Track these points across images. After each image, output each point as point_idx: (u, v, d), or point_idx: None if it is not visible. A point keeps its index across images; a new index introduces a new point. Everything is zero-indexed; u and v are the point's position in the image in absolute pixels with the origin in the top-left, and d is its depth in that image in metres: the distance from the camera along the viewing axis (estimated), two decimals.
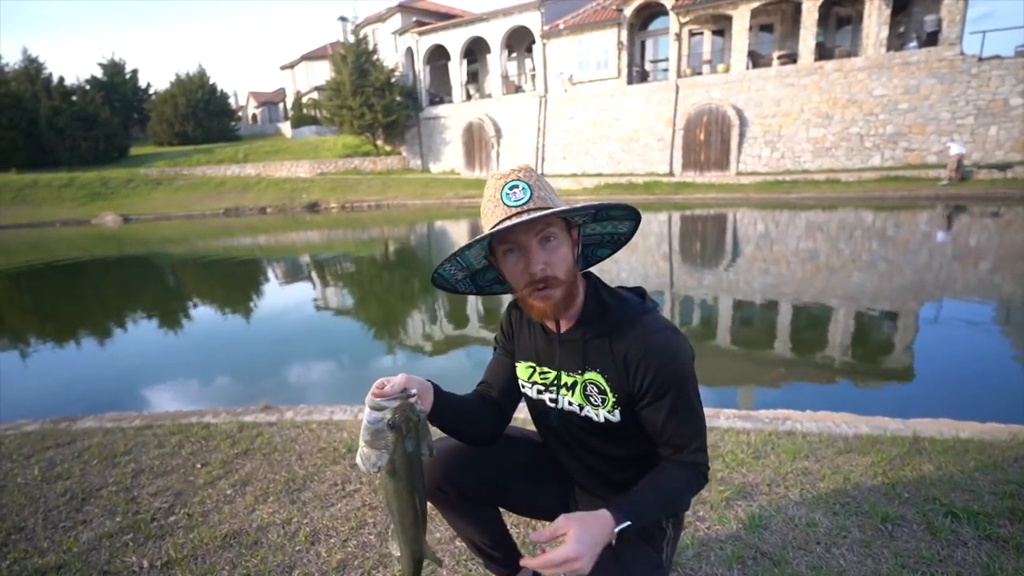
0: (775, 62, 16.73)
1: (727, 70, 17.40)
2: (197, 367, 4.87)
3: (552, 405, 1.14)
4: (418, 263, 10.24)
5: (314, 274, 9.65)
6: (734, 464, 2.08)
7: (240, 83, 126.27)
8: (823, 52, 16.37)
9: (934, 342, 4.58)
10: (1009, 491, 1.79)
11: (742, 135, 16.87)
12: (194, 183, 24.07)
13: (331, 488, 2.06)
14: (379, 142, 26.10)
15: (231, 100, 33.50)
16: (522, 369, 1.19)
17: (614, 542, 0.91)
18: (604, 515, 0.91)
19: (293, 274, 9.91)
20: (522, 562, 0.93)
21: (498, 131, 22.39)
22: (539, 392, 1.16)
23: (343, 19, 27.33)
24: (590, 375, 1.06)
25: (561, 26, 20.36)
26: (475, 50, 24.70)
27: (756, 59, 17.30)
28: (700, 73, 18.36)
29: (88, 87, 28.93)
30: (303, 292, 8.40)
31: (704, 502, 1.83)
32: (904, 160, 14.73)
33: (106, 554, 1.72)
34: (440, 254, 10.68)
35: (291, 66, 36.54)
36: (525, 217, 0.94)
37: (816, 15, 15.71)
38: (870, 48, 15.31)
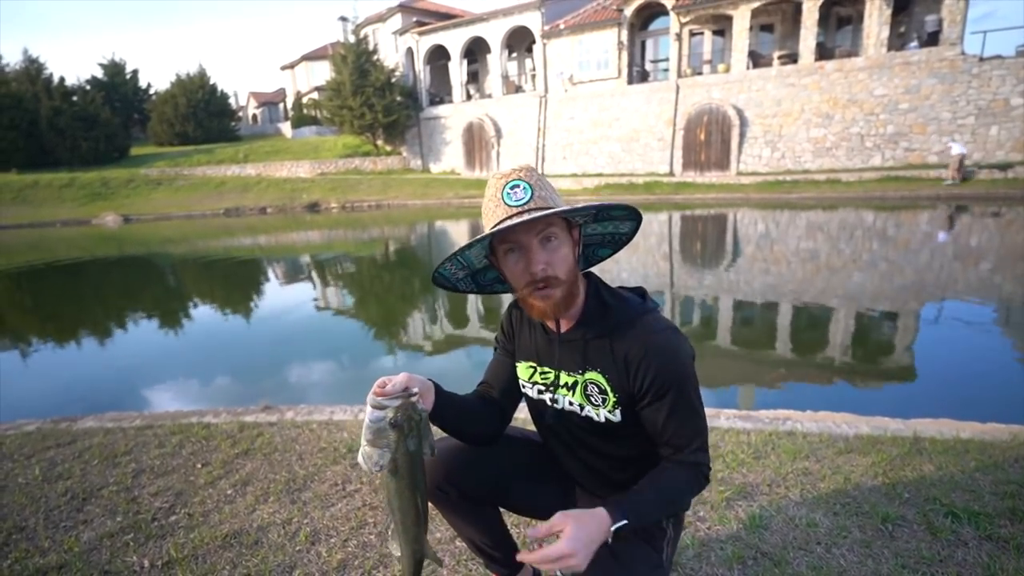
0: (775, 62, 16.73)
1: (727, 70, 17.40)
2: (197, 367, 4.87)
3: (553, 405, 1.14)
4: (418, 263, 10.24)
5: (314, 274, 9.66)
6: (734, 464, 2.08)
7: (240, 83, 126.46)
8: (824, 52, 16.37)
9: (934, 342, 4.58)
10: (1010, 491, 1.79)
11: (742, 135, 16.87)
12: (194, 183, 24.08)
13: (331, 488, 2.06)
14: (379, 142, 26.11)
15: (231, 100, 33.52)
16: (523, 369, 1.19)
17: (610, 540, 0.91)
18: (601, 513, 0.91)
19: (293, 274, 9.91)
20: (518, 556, 0.93)
21: (498, 131, 22.40)
22: (540, 392, 1.16)
23: (343, 19, 27.34)
24: (591, 375, 1.06)
25: (561, 26, 20.36)
26: (475, 50, 24.70)
27: (756, 59, 17.29)
28: (700, 73, 18.36)
29: (88, 87, 28.94)
30: (303, 292, 8.40)
31: (704, 502, 1.83)
32: (905, 160, 14.73)
33: (107, 554, 1.72)
34: (440, 254, 10.69)
35: (291, 66, 36.55)
36: (526, 217, 0.94)
37: (816, 15, 15.70)
38: (871, 48, 15.31)
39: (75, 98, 26.44)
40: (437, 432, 1.05)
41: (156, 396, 4.14)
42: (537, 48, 21.48)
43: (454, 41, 23.50)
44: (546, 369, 1.14)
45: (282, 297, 8.07)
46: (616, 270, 7.42)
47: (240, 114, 37.28)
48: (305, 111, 32.31)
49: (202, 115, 29.60)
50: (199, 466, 2.29)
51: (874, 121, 15.10)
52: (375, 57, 24.48)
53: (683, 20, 17.99)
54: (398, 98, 24.20)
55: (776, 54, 16.96)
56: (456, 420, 1.13)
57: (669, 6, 17.87)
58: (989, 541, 1.56)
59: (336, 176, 24.20)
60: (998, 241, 8.54)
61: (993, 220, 10.44)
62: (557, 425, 1.16)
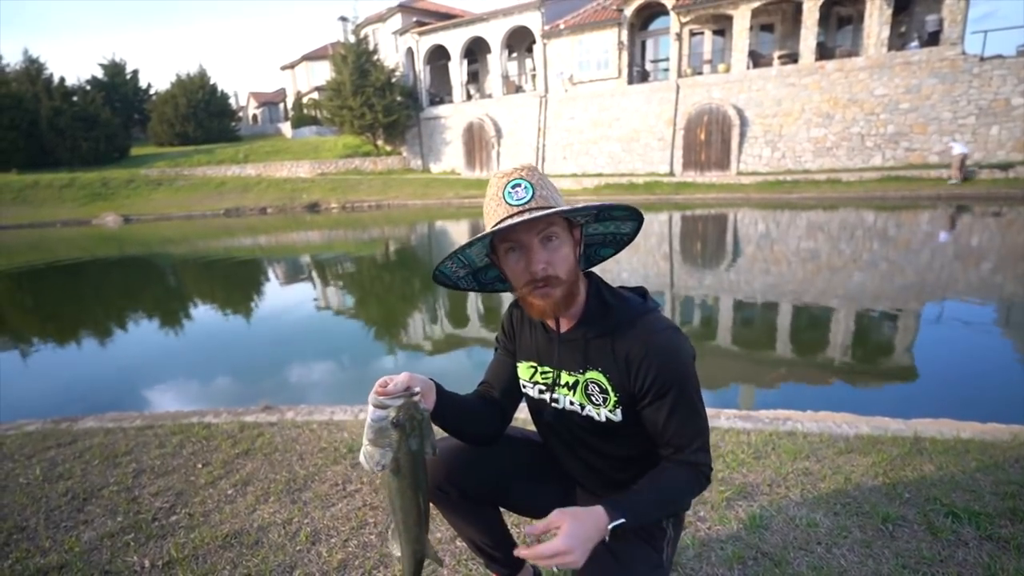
0: (776, 62, 16.72)
1: (728, 70, 17.39)
2: (198, 367, 4.87)
3: (553, 405, 1.14)
4: (418, 263, 10.24)
5: (315, 274, 9.66)
6: (735, 464, 2.08)
7: (240, 83, 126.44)
8: (824, 52, 16.36)
9: (935, 342, 4.58)
10: (1010, 491, 1.79)
11: (743, 135, 16.86)
12: (194, 183, 24.08)
13: (332, 488, 2.06)
14: (379, 142, 26.11)
15: (231, 100, 33.52)
16: (523, 369, 1.19)
17: (607, 539, 0.91)
18: (598, 511, 0.91)
19: (293, 274, 9.91)
20: (516, 552, 0.93)
21: (498, 131, 22.40)
22: (540, 392, 1.16)
23: (343, 19, 27.34)
24: (591, 374, 1.06)
25: (561, 26, 20.36)
26: (475, 50, 24.70)
27: (757, 59, 17.29)
28: (701, 73, 18.36)
29: (89, 87, 28.94)
30: (303, 292, 8.40)
31: (705, 502, 1.83)
32: (905, 160, 14.72)
33: (107, 554, 1.72)
34: (440, 254, 10.66)
35: (291, 66, 36.56)
36: (527, 216, 0.94)
37: (817, 15, 15.70)
38: (871, 48, 15.30)
39: (75, 98, 26.44)
40: (437, 432, 1.05)
41: (156, 396, 4.14)
42: (537, 48, 21.48)
43: (454, 41, 23.50)
44: (547, 369, 1.14)
45: (282, 297, 8.08)
46: (616, 270, 7.42)
47: (240, 114, 37.29)
48: (305, 111, 32.31)
49: (202, 115, 29.59)
50: (199, 466, 2.29)
51: (875, 121, 15.10)
52: (375, 57, 24.48)
53: (683, 20, 17.99)
54: (398, 98, 24.21)
55: (776, 54, 16.96)
56: (457, 420, 1.13)
57: (669, 6, 17.87)
58: (990, 541, 1.56)
59: (336, 176, 24.20)
60: (999, 241, 8.54)
61: (994, 220, 10.44)
62: (557, 425, 1.16)
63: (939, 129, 14.30)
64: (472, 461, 1.20)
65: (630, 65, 19.64)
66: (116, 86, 32.20)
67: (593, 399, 1.07)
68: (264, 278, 9.58)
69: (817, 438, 2.30)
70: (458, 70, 23.83)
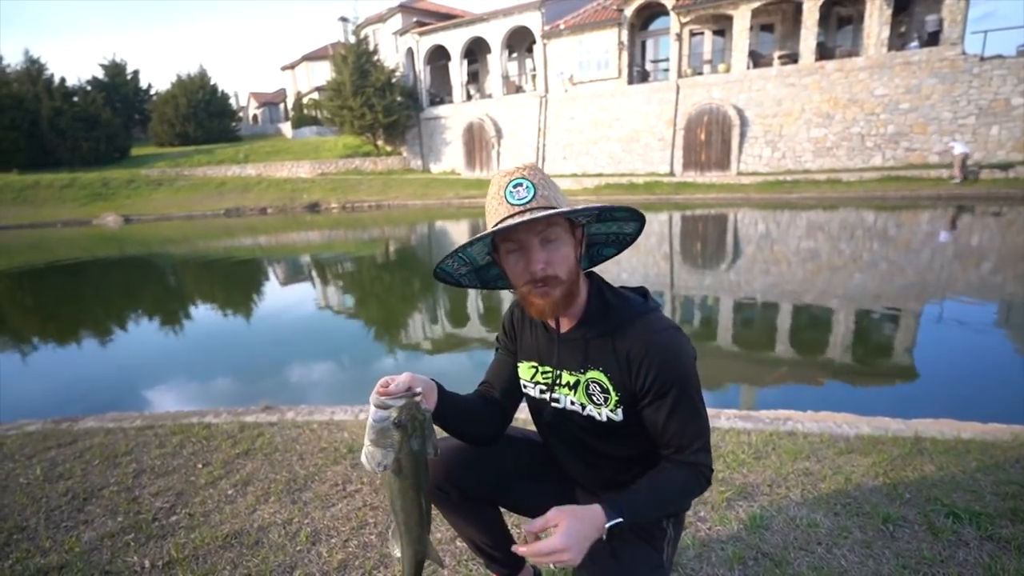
0: (776, 62, 16.72)
1: (728, 70, 17.39)
2: (198, 367, 4.87)
3: (554, 405, 1.14)
4: (419, 263, 10.24)
5: (315, 274, 9.66)
6: (735, 464, 2.08)
7: (241, 84, 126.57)
8: (824, 52, 16.36)
9: (935, 342, 4.57)
10: (1011, 492, 1.79)
11: (743, 135, 16.86)
12: (195, 183, 24.09)
13: (332, 488, 2.06)
14: (380, 142, 26.11)
15: (232, 101, 33.49)
16: (524, 369, 1.19)
17: (604, 537, 0.91)
18: (596, 510, 0.92)
19: (294, 274, 9.91)
20: (514, 548, 0.94)
21: (499, 131, 22.40)
22: (541, 392, 1.16)
23: (344, 19, 27.33)
24: (592, 374, 1.06)
25: (562, 26, 20.36)
26: (475, 50, 24.71)
27: (757, 59, 17.29)
28: (701, 73, 18.35)
29: (89, 88, 28.96)
30: (304, 292, 8.40)
31: (705, 502, 1.83)
32: (905, 160, 14.72)
33: (108, 554, 1.72)
34: (440, 254, 10.60)
35: (292, 67, 36.57)
36: (527, 216, 0.94)
37: (817, 15, 15.70)
38: (871, 48, 15.30)
39: (76, 99, 26.45)
40: (437, 432, 1.05)
41: (157, 396, 4.14)
42: (537, 48, 21.48)
43: (454, 41, 23.50)
44: (547, 368, 1.14)
45: (283, 297, 8.08)
46: (616, 270, 7.42)
47: (240, 114, 37.26)
48: (305, 111, 32.32)
49: (203, 115, 29.60)
50: (200, 466, 2.29)
51: (875, 121, 15.09)
52: (375, 57, 24.49)
53: (683, 20, 17.99)
54: (398, 98, 24.21)
55: (776, 54, 16.96)
56: (457, 420, 1.13)
57: (669, 6, 17.87)
58: (990, 541, 1.56)
59: (336, 176, 24.20)
60: (999, 241, 8.53)
61: (994, 220, 10.43)
62: (558, 425, 1.16)
63: (939, 129, 14.30)
64: (472, 461, 1.20)
65: (630, 65, 19.64)
66: (117, 86, 32.21)
67: (594, 399, 1.07)
68: (264, 278, 9.58)
69: (818, 438, 2.30)
70: (458, 70, 23.83)
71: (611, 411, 1.06)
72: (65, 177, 23.55)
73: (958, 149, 13.05)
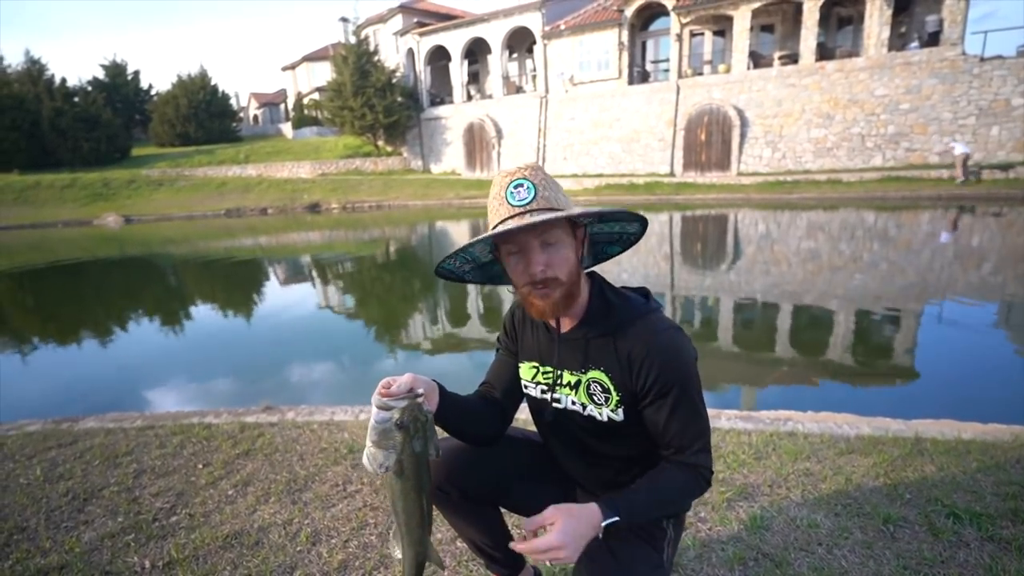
0: (776, 62, 16.73)
1: (728, 70, 17.40)
2: (198, 368, 4.87)
3: (555, 405, 1.14)
4: (419, 263, 10.24)
5: (315, 275, 9.66)
6: (735, 465, 2.08)
7: (241, 84, 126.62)
8: (824, 52, 16.36)
9: (936, 342, 4.57)
10: (1012, 492, 1.78)
11: (743, 135, 16.86)
12: (195, 184, 24.10)
13: (332, 489, 2.06)
14: (380, 143, 26.13)
15: (232, 101, 33.50)
16: (525, 369, 1.19)
17: (601, 536, 0.92)
18: (593, 508, 0.92)
19: (294, 275, 9.92)
20: (510, 545, 0.95)
21: (499, 132, 22.41)
22: (542, 392, 1.16)
23: (344, 20, 27.33)
24: (593, 374, 1.06)
25: (562, 27, 20.37)
26: (476, 51, 24.72)
27: (757, 59, 17.29)
28: (701, 73, 18.36)
29: (90, 88, 28.96)
30: (304, 293, 8.41)
31: (705, 503, 1.83)
32: (906, 160, 14.72)
33: (108, 554, 1.72)
34: (441, 254, 10.65)
35: (292, 67, 36.59)
36: (527, 220, 0.94)
37: (817, 15, 15.70)
38: (871, 48, 15.30)
39: (76, 99, 26.47)
40: (438, 432, 1.05)
41: (157, 396, 4.14)
42: (538, 49, 21.49)
43: (455, 42, 23.52)
44: (548, 369, 1.14)
45: (283, 297, 8.08)
46: (617, 271, 7.42)
47: (241, 115, 37.28)
48: (306, 112, 32.34)
49: (203, 116, 29.62)
50: (200, 466, 2.29)
51: (875, 121, 15.09)
52: (376, 58, 24.50)
53: (683, 21, 18.00)
54: (399, 99, 24.22)
55: (777, 54, 16.96)
56: (458, 421, 1.13)
57: (670, 7, 17.87)
58: (991, 542, 1.56)
59: (337, 177, 24.21)
60: (999, 241, 8.53)
61: (995, 220, 10.43)
62: (559, 425, 1.16)
63: (939, 129, 14.30)
64: (473, 461, 1.20)
65: (630, 66, 19.65)
66: (117, 87, 32.23)
67: (595, 399, 1.07)
68: (265, 278, 9.58)
69: (818, 439, 2.30)
70: (459, 71, 23.84)
71: (612, 411, 1.06)
72: (66, 177, 23.57)
73: (959, 149, 13.05)
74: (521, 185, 0.97)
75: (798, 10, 16.36)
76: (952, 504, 1.74)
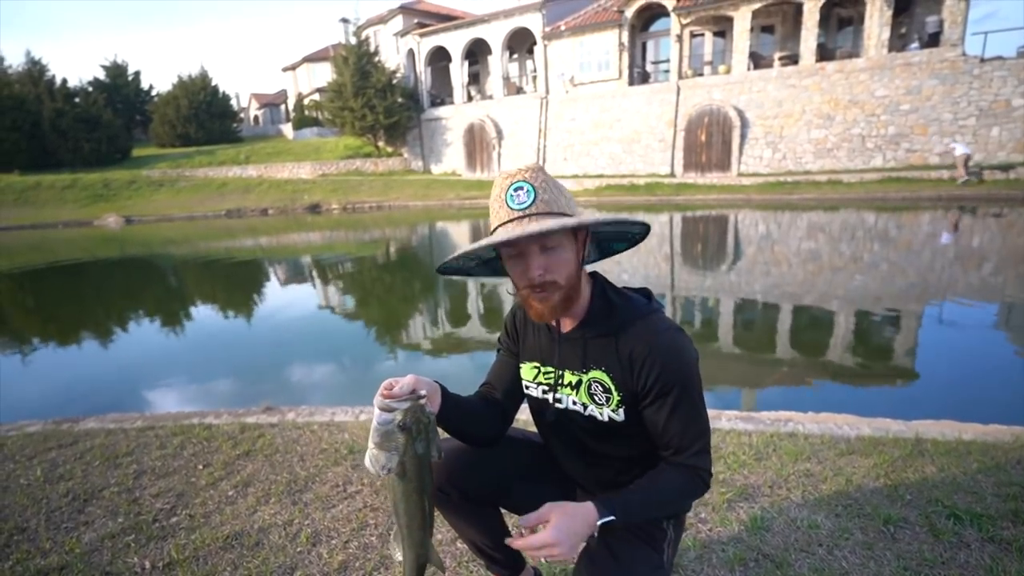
0: (776, 63, 16.73)
1: (728, 71, 17.40)
2: (199, 368, 4.87)
3: (556, 405, 1.14)
4: (420, 264, 10.25)
5: (315, 276, 9.66)
6: (736, 466, 2.08)
7: (242, 85, 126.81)
8: (824, 53, 16.37)
9: (936, 343, 4.57)
10: (1012, 493, 1.78)
11: (743, 136, 16.87)
12: (196, 184, 24.12)
13: (333, 489, 2.06)
14: (380, 143, 26.14)
15: (233, 102, 33.53)
16: (527, 370, 1.19)
17: (596, 534, 0.92)
18: (589, 507, 0.92)
19: (295, 275, 9.92)
20: (507, 541, 0.95)
21: (499, 132, 22.42)
22: (544, 392, 1.16)
23: (345, 21, 27.36)
24: (595, 373, 1.06)
25: (562, 27, 20.39)
26: (476, 51, 24.74)
27: (757, 60, 17.30)
28: (701, 74, 18.37)
29: (91, 89, 28.98)
30: (304, 293, 8.41)
31: (706, 504, 1.83)
32: (906, 161, 14.72)
33: (108, 555, 1.72)
34: (441, 255, 10.69)
35: (293, 68, 36.61)
36: (525, 225, 0.94)
37: (817, 16, 15.71)
38: (871, 49, 15.31)
39: (77, 100, 26.51)
40: (439, 433, 1.05)
41: (157, 397, 4.14)
42: (538, 49, 21.51)
43: (455, 42, 23.53)
44: (549, 369, 1.14)
45: (283, 298, 8.08)
46: (617, 271, 7.42)
47: (242, 115, 37.32)
48: (306, 112, 32.36)
49: (204, 116, 29.65)
50: (200, 467, 2.29)
51: (875, 122, 15.09)
52: (376, 59, 24.52)
53: (684, 21, 18.01)
54: (399, 99, 24.24)
55: (777, 55, 16.97)
56: (460, 422, 1.13)
57: (670, 7, 17.88)
58: (992, 543, 1.55)
59: (337, 177, 24.23)
60: (1000, 242, 8.53)
61: (995, 221, 10.43)
62: (559, 425, 1.16)
63: (940, 130, 14.30)
64: (473, 462, 1.20)
65: (631, 66, 19.66)
66: (118, 87, 32.26)
67: (596, 399, 1.07)
68: (265, 279, 9.58)
69: (818, 439, 2.30)
70: (459, 71, 23.86)
71: (613, 411, 1.06)
72: (66, 178, 23.59)
73: (960, 150, 13.04)
74: (521, 188, 0.97)
75: (798, 11, 16.37)
76: (953, 505, 1.73)
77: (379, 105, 23.58)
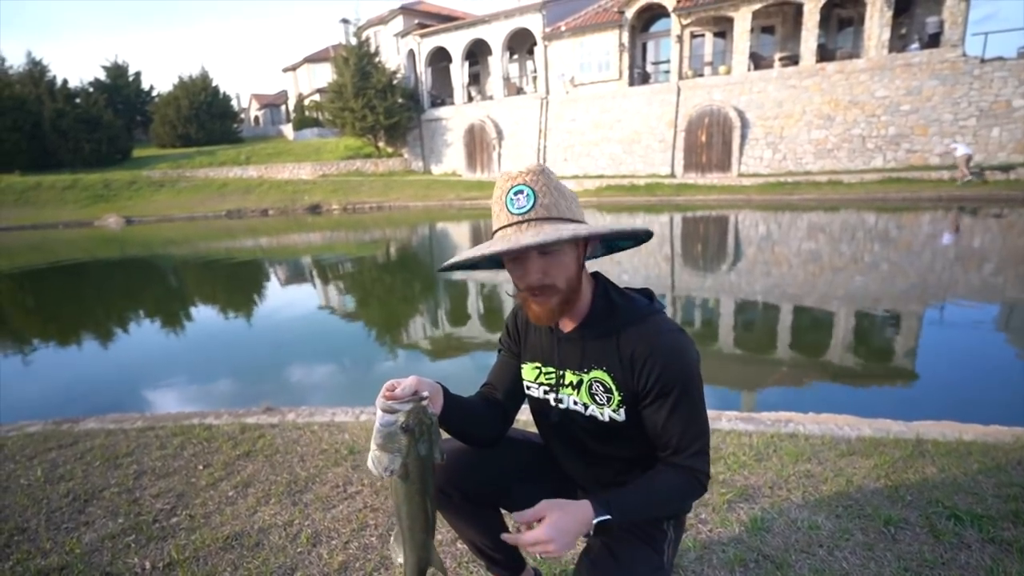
0: (776, 64, 16.74)
1: (728, 72, 17.41)
2: (199, 368, 4.87)
3: (557, 405, 1.14)
4: (420, 265, 10.25)
5: (316, 276, 9.67)
6: (736, 466, 2.08)
7: (242, 85, 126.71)
8: (825, 54, 16.37)
9: (937, 344, 4.57)
10: (1013, 494, 1.78)
11: (743, 137, 16.87)
12: (196, 185, 24.14)
13: (333, 490, 2.06)
14: (381, 144, 26.16)
15: (233, 102, 33.56)
16: (528, 370, 1.19)
17: (592, 533, 0.92)
18: (585, 505, 0.93)
19: (295, 276, 9.92)
20: (502, 536, 0.95)
21: (499, 133, 22.43)
22: (545, 392, 1.16)
23: (345, 21, 27.39)
24: (596, 373, 1.06)
25: (563, 28, 20.40)
26: (477, 52, 24.75)
27: (757, 61, 17.31)
28: (701, 75, 18.38)
29: (91, 89, 29.01)
30: (305, 294, 8.41)
31: (706, 504, 1.83)
32: (906, 162, 14.72)
33: (108, 555, 1.72)
34: (441, 256, 10.69)
35: (293, 68, 36.64)
36: (523, 230, 0.94)
37: (817, 17, 15.72)
38: (872, 50, 15.31)
39: (78, 100, 26.54)
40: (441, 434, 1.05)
41: (158, 397, 4.14)
42: (538, 50, 21.52)
43: (455, 43, 23.55)
44: (551, 369, 1.14)
45: (284, 298, 8.08)
46: (617, 271, 7.42)
47: (242, 116, 37.35)
48: (307, 113, 32.39)
49: (204, 117, 29.67)
50: (200, 468, 2.29)
51: (875, 123, 15.10)
52: (376, 59, 24.55)
53: (684, 22, 18.02)
54: (399, 100, 24.26)
55: (777, 56, 16.98)
56: (461, 422, 1.13)
57: (670, 8, 17.89)
58: (992, 544, 1.55)
59: (338, 178, 24.24)
60: (1000, 243, 8.53)
61: (995, 222, 10.43)
62: (560, 425, 1.16)
63: (940, 131, 14.30)
64: (474, 463, 1.20)
65: (631, 67, 19.67)
66: (118, 88, 32.29)
67: (597, 399, 1.07)
68: (265, 279, 9.59)
69: (819, 440, 2.29)
70: (459, 72, 23.87)
71: (614, 411, 1.06)
72: (67, 179, 23.61)
73: (961, 150, 13.04)
74: (521, 192, 0.96)
75: (798, 11, 16.38)
76: (953, 506, 1.73)
77: (379, 106, 23.60)
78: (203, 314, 7.24)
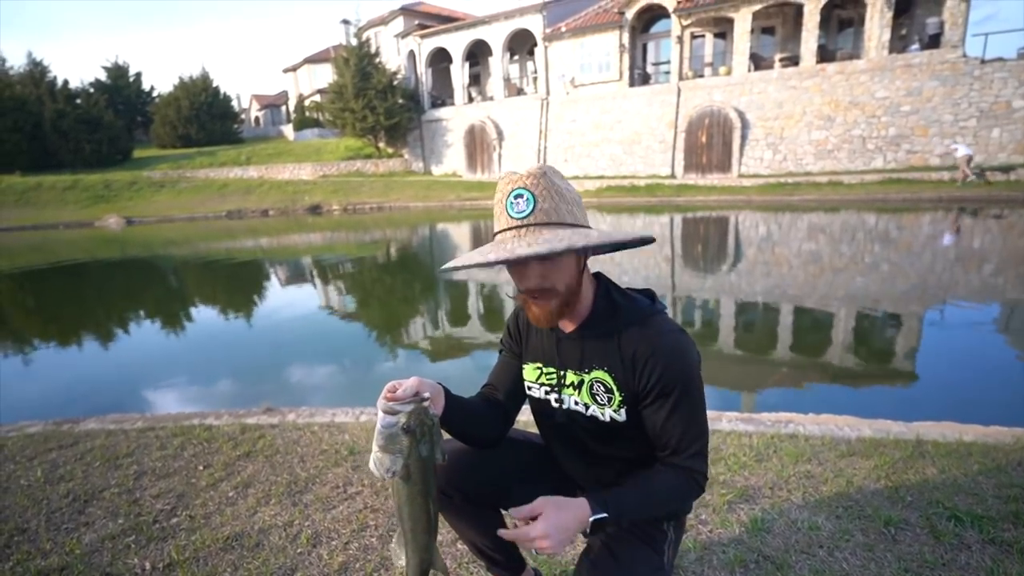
0: (777, 64, 16.75)
1: (729, 72, 17.42)
2: (199, 369, 4.87)
3: (558, 406, 1.14)
4: (420, 265, 10.25)
5: (316, 276, 9.67)
6: (736, 467, 2.08)
7: (243, 86, 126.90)
8: (825, 54, 16.38)
9: (937, 344, 4.56)
10: (1013, 495, 1.78)
11: (744, 137, 16.87)
12: (197, 185, 24.16)
13: (333, 490, 2.06)
14: (381, 144, 26.18)
15: (234, 103, 33.60)
16: (530, 371, 1.19)
17: (588, 531, 0.92)
18: (582, 503, 0.93)
19: (295, 276, 9.92)
20: (499, 532, 0.96)
21: (500, 133, 22.44)
22: (546, 393, 1.16)
23: (346, 22, 27.43)
24: (597, 373, 1.06)
25: (563, 29, 20.41)
26: (477, 53, 24.77)
27: (758, 61, 17.32)
28: (702, 75, 18.39)
29: (92, 90, 29.06)
30: (305, 294, 8.41)
31: (706, 505, 1.83)
32: (907, 162, 14.72)
33: (108, 556, 1.72)
34: (441, 256, 10.70)
35: (294, 69, 36.68)
36: (521, 235, 0.93)
37: (818, 17, 15.73)
38: (872, 50, 15.32)
39: (78, 101, 26.57)
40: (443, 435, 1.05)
41: (158, 398, 4.14)
42: (539, 51, 21.54)
43: (456, 44, 23.57)
44: (552, 369, 1.14)
45: (284, 299, 8.08)
46: (617, 272, 7.41)
47: (243, 116, 37.39)
48: (307, 113, 32.42)
49: (205, 117, 29.71)
50: (201, 468, 2.29)
51: (875, 123, 15.10)
52: (377, 60, 24.57)
53: (684, 23, 18.03)
54: (400, 100, 24.29)
55: (777, 56, 16.99)
56: (462, 423, 1.13)
57: (670, 9, 17.91)
58: (992, 545, 1.55)
59: (338, 178, 24.26)
60: (1000, 243, 8.52)
61: (996, 222, 10.42)
62: (561, 426, 1.16)
63: (940, 132, 14.31)
64: (475, 464, 1.20)
65: (631, 68, 19.68)
66: (119, 88, 32.32)
67: (598, 399, 1.07)
68: (266, 280, 9.59)
69: (819, 441, 2.29)
70: (460, 73, 23.89)
71: (614, 411, 1.06)
72: (67, 179, 23.63)
73: (961, 151, 13.05)
74: (520, 196, 0.95)
75: (799, 12, 16.39)
76: (953, 506, 1.73)
77: (380, 106, 23.63)
78: (203, 315, 7.24)
